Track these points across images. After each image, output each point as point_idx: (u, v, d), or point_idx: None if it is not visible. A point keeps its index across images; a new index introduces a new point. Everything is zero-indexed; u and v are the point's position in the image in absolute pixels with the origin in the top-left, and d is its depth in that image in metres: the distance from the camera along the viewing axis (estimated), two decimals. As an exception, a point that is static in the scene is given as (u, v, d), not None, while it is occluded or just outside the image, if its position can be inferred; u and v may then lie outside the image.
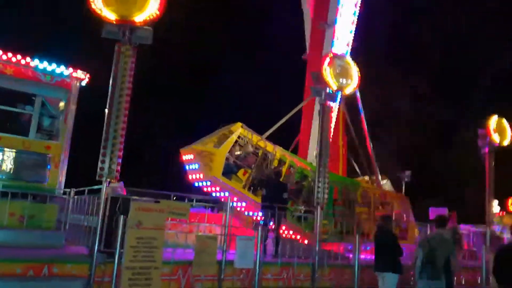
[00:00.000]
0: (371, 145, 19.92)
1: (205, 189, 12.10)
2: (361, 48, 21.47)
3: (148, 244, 6.61)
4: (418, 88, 31.38)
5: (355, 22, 20.35)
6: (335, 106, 19.19)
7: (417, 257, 7.41)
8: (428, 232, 13.05)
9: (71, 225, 9.89)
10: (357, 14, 20.37)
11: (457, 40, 33.89)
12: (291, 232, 11.39)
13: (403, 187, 23.40)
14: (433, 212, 18.53)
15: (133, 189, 9.87)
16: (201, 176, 11.74)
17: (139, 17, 7.65)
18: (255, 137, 12.87)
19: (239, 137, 12.61)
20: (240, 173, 12.62)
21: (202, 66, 33.37)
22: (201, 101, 34.07)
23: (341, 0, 19.82)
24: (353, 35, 20.30)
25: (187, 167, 12.15)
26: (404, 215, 16.07)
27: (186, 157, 12.18)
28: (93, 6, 7.63)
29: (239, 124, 12.58)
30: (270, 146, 12.95)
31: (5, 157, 9.75)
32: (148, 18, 7.67)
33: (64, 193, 10.27)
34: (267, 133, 15.01)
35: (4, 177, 9.67)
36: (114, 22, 7.67)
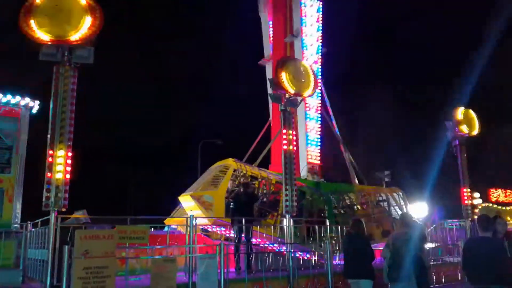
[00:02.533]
0: (346, 149, 19.76)
1: (210, 230, 11.94)
2: (331, 52, 21.62)
3: (98, 274, 6.18)
4: (386, 87, 31.68)
5: (321, 28, 20.45)
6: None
7: (385, 258, 7.10)
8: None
9: (31, 260, 9.38)
10: (321, 21, 20.50)
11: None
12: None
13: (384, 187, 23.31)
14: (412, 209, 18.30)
15: (92, 217, 9.41)
16: (205, 221, 11.47)
17: (75, 36, 7.30)
18: (248, 168, 12.84)
19: (234, 170, 12.57)
20: None
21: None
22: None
23: (304, 9, 19.86)
24: (320, 41, 20.38)
25: (188, 212, 11.85)
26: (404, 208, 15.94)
27: (185, 204, 12.00)
28: (25, 28, 7.27)
29: (231, 159, 12.64)
30: (264, 173, 12.86)
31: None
32: (84, 36, 7.33)
33: (21, 227, 9.74)
34: (258, 162, 14.95)
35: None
36: (50, 43, 7.33)
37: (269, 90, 20.91)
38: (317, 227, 10.93)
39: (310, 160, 18.88)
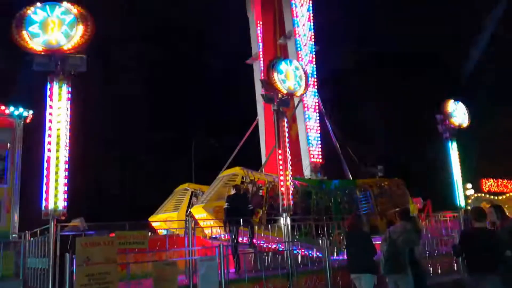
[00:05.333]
0: (338, 145, 19.98)
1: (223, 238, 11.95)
2: (324, 49, 21.77)
3: (101, 280, 6.25)
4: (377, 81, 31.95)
5: (313, 26, 20.56)
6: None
7: (382, 251, 7.23)
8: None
9: (31, 269, 9.39)
10: (312, 19, 20.60)
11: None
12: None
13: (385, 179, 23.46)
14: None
15: (90, 224, 9.45)
16: (219, 230, 11.53)
17: (68, 45, 7.35)
18: (256, 175, 13.12)
19: (242, 178, 12.84)
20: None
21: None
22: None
23: (295, 10, 19.96)
24: (313, 40, 20.48)
25: (201, 224, 12.08)
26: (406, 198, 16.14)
27: (198, 216, 12.14)
28: (18, 39, 7.31)
29: (238, 168, 13.00)
30: (270, 178, 13.14)
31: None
32: (77, 45, 7.38)
33: (20, 236, 9.74)
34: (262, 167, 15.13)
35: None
36: (43, 53, 7.37)
37: (258, 89, 21.24)
38: (325, 224, 11.11)
39: (312, 159, 19.15)
